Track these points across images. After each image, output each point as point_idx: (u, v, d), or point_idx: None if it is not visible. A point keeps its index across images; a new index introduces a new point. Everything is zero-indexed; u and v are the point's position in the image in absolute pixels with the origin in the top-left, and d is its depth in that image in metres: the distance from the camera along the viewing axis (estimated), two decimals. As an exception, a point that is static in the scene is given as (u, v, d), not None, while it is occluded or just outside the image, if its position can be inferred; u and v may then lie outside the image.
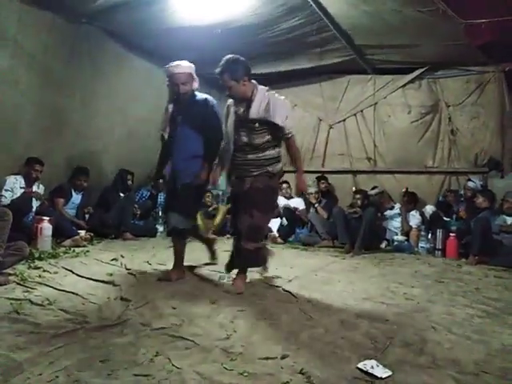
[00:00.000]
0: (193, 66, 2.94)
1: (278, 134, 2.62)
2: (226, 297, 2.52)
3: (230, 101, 2.74)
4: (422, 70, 5.59)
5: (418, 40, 4.64)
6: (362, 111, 6.09)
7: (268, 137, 2.60)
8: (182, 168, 2.92)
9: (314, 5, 4.04)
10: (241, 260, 2.73)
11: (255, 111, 2.56)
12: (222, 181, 7.27)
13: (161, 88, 5.64)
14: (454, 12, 3.79)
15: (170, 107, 3.01)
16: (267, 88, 2.64)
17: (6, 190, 3.89)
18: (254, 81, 2.64)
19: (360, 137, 6.10)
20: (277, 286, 2.84)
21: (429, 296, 2.75)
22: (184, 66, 2.88)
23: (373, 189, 5.51)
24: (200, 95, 2.98)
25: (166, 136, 3.03)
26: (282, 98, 2.63)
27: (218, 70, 2.57)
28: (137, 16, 4.28)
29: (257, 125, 2.56)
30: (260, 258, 2.79)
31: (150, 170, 6.02)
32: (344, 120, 6.21)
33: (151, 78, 5.54)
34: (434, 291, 2.90)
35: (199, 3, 4.05)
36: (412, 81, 5.74)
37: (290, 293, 2.67)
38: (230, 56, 2.60)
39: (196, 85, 2.97)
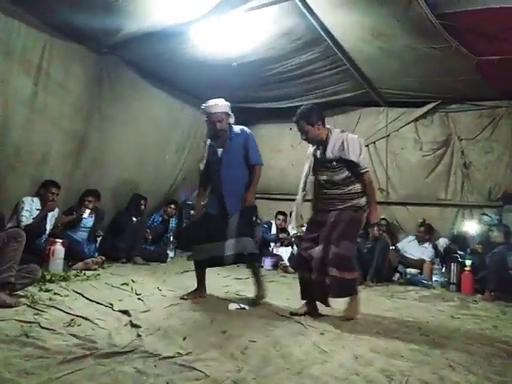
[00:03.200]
0: (228, 104, 3.23)
1: (355, 171, 2.89)
2: (237, 327, 2.48)
3: (310, 148, 3.09)
4: (434, 104, 5.62)
5: (431, 75, 4.70)
6: (374, 143, 6.11)
7: (346, 173, 2.89)
8: (234, 195, 3.19)
9: (328, 40, 4.15)
10: (335, 289, 2.79)
11: (330, 151, 2.88)
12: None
13: (176, 116, 5.87)
14: (466, 49, 3.87)
15: (209, 142, 3.35)
16: (340, 129, 2.99)
17: (27, 211, 3.93)
18: (328, 125, 2.99)
19: (372, 168, 6.06)
20: (288, 317, 2.79)
21: (445, 332, 2.66)
22: (220, 106, 3.18)
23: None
24: (236, 128, 3.31)
25: (202, 167, 3.35)
26: (356, 136, 2.95)
27: (294, 118, 2.92)
28: (155, 48, 4.43)
29: (334, 163, 2.88)
30: (353, 288, 2.90)
31: (164, 194, 6.12)
32: (356, 151, 6.25)
33: (167, 106, 5.69)
34: (450, 327, 2.81)
35: (217, 38, 4.18)
36: (424, 115, 5.77)
37: (301, 324, 2.62)
38: (304, 106, 2.97)
39: (232, 120, 3.27)
